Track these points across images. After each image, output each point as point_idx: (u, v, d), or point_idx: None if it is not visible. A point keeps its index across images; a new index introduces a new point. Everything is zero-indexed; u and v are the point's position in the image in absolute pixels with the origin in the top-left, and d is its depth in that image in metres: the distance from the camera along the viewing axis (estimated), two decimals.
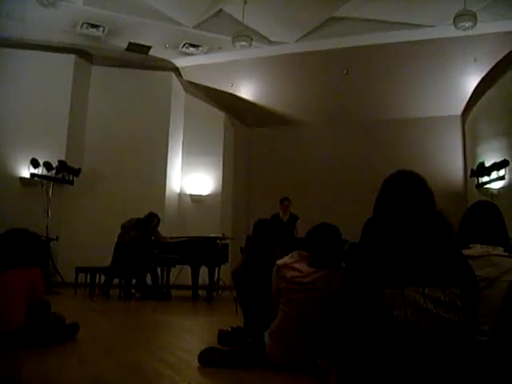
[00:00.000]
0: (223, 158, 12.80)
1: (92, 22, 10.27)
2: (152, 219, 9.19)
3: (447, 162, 11.97)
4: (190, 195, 12.61)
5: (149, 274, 8.90)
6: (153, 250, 9.01)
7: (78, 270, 9.12)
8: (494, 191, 10.09)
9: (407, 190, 2.02)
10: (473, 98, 11.34)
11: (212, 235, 9.28)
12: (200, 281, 8.80)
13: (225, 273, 9.84)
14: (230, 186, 12.95)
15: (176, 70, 12.32)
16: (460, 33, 9.21)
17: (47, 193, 10.58)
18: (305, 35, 10.67)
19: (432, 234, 1.94)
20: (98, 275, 9.21)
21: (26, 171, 10.62)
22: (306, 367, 3.07)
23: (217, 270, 9.28)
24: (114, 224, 9.26)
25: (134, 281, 8.92)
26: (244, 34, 9.58)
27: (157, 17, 10.06)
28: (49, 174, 10.64)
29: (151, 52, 11.58)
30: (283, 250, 4.01)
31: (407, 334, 1.76)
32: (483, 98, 10.92)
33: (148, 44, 11.27)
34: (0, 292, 3.75)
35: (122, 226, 9.14)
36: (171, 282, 9.66)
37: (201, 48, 11.39)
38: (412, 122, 12.18)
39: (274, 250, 4.17)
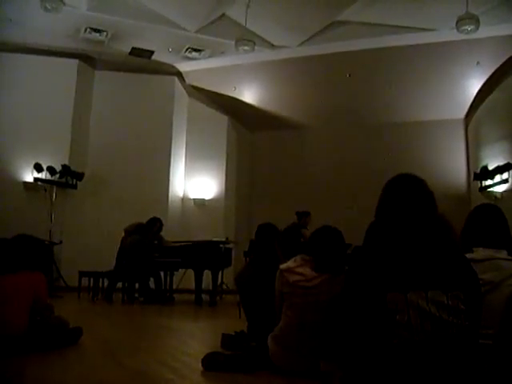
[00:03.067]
0: (226, 161, 12.80)
1: (95, 27, 10.31)
2: (155, 223, 9.20)
3: (450, 166, 11.96)
4: (193, 199, 12.62)
5: (152, 278, 8.91)
6: (153, 253, 9.00)
7: (82, 274, 9.12)
8: (498, 194, 10.07)
9: (408, 193, 2.02)
10: (476, 101, 11.34)
11: (215, 239, 9.27)
12: (203, 285, 8.79)
13: (228, 277, 9.84)
14: (233, 189, 12.95)
15: (179, 74, 12.35)
16: (462, 36, 9.20)
17: (51, 197, 10.61)
18: (307, 39, 10.68)
19: (434, 238, 1.93)
20: (101, 279, 9.21)
21: (29, 176, 10.64)
22: (309, 371, 3.06)
23: (220, 273, 9.27)
24: (117, 228, 9.27)
25: (137, 285, 8.93)
26: (247, 38, 9.59)
27: (160, 21, 10.08)
28: (52, 178, 10.67)
29: (154, 56, 11.61)
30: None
31: (410, 337, 1.76)
32: (486, 102, 10.90)
33: (151, 49, 11.31)
34: (3, 295, 3.76)
35: (125, 230, 9.15)
36: (174, 286, 9.65)
37: (203, 52, 11.42)
38: (415, 126, 12.17)
39: (278, 255, 4.16)
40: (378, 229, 2.06)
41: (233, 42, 9.75)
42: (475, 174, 10.70)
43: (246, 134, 13.89)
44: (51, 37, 10.71)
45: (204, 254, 8.76)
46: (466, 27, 8.65)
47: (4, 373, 3.06)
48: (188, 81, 12.57)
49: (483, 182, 10.42)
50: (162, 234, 9.43)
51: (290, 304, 3.17)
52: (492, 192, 10.20)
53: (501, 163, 9.77)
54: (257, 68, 11.81)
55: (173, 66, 12.10)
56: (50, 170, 10.59)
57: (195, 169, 12.68)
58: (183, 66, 12.17)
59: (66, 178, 10.90)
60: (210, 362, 3.31)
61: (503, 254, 2.39)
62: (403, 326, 1.77)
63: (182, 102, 12.71)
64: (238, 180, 13.20)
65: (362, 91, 11.81)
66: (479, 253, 2.40)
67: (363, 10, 9.49)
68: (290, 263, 3.27)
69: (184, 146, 12.73)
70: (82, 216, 11.03)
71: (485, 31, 9.14)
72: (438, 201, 2.05)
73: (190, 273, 9.00)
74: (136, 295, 8.96)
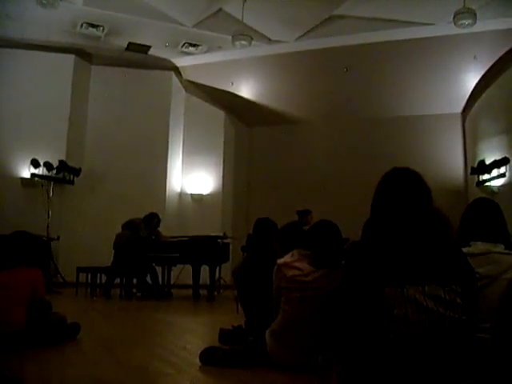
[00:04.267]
0: (223, 157, 12.80)
1: (91, 22, 10.27)
2: (152, 219, 9.21)
3: (448, 160, 11.97)
4: (191, 194, 12.62)
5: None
6: (146, 249, 9.00)
7: (79, 269, 9.12)
8: (495, 189, 10.09)
9: (403, 187, 2.02)
10: (473, 95, 11.34)
11: (213, 234, 9.28)
12: (201, 280, 8.80)
13: (226, 272, 9.84)
14: (230, 185, 12.95)
15: (176, 69, 12.32)
16: (460, 30, 9.20)
17: (48, 193, 10.58)
18: (304, 34, 10.67)
19: (430, 232, 1.93)
20: (99, 275, 9.22)
21: (26, 171, 10.62)
22: (306, 366, 3.07)
23: (218, 268, 9.27)
24: (114, 224, 9.27)
25: (135, 280, 8.95)
26: (244, 33, 9.57)
27: (156, 16, 10.05)
28: (49, 174, 10.64)
29: (151, 51, 11.57)
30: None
31: (408, 332, 1.76)
32: (483, 96, 10.91)
33: (147, 43, 11.27)
34: (1, 291, 3.75)
35: (121, 226, 9.18)
36: (172, 281, 9.66)
37: (200, 47, 11.39)
38: (412, 120, 12.17)
39: (275, 249, 4.16)
40: (374, 223, 2.06)
41: (230, 37, 9.72)
42: (472, 168, 10.72)
43: (244, 129, 13.88)
44: (48, 32, 10.65)
45: (202, 249, 8.77)
46: (464, 21, 8.65)
47: (2, 369, 3.06)
48: (185, 76, 12.54)
49: (480, 176, 10.43)
50: (160, 229, 9.43)
51: (287, 299, 3.17)
52: (489, 186, 10.22)
53: (498, 157, 9.78)
54: (254, 63, 11.79)
55: (170, 61, 12.07)
56: (47, 165, 10.55)
57: (193, 164, 12.67)
58: (180, 61, 12.14)
59: (63, 174, 10.88)
60: (208, 357, 3.31)
61: (500, 248, 2.40)
62: (401, 321, 1.77)
63: (179, 98, 12.68)
64: (236, 175, 13.20)
65: (360, 86, 11.79)
66: (476, 247, 2.41)
67: (360, 5, 9.48)
68: (287, 258, 3.27)
69: (181, 141, 12.71)
70: (79, 212, 11.01)
71: (482, 25, 9.13)
72: (435, 195, 2.05)
73: (188, 268, 9.01)
74: (134, 291, 8.97)
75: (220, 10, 9.90)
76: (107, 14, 10.03)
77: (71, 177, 11.02)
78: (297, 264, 3.18)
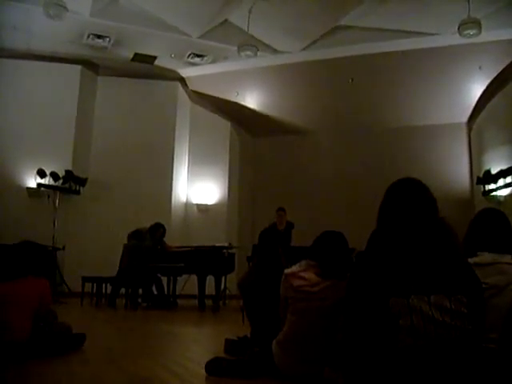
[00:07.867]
0: (229, 167, 12.82)
1: (98, 33, 10.34)
2: (158, 229, 9.22)
3: (453, 170, 11.95)
4: (196, 204, 12.63)
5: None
6: (151, 259, 9.00)
7: (85, 279, 9.12)
8: (501, 198, 10.06)
9: (409, 198, 2.01)
10: (478, 105, 11.34)
11: (218, 244, 9.27)
12: (206, 290, 8.78)
13: (231, 282, 9.82)
14: (235, 194, 12.96)
15: (181, 79, 12.38)
16: (465, 41, 9.22)
17: (54, 202, 10.62)
18: (310, 44, 10.70)
19: (436, 242, 1.93)
20: (104, 285, 9.22)
21: (32, 181, 10.67)
22: (313, 377, 3.05)
23: (223, 279, 9.26)
24: (120, 233, 9.29)
25: (140, 290, 8.94)
26: (249, 44, 9.62)
27: (162, 27, 10.12)
28: (55, 183, 10.69)
29: (157, 62, 11.64)
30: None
31: (414, 342, 1.75)
32: (489, 106, 10.91)
33: (154, 54, 11.34)
34: (9, 301, 3.75)
35: (127, 236, 9.20)
36: (178, 291, 9.65)
37: (206, 58, 11.44)
38: (418, 130, 12.17)
39: (281, 259, 4.16)
40: (379, 234, 2.05)
41: (235, 48, 9.78)
42: (478, 178, 10.69)
43: (249, 139, 13.90)
44: (54, 43, 10.74)
45: (207, 260, 8.76)
46: (469, 31, 8.67)
47: (7, 379, 3.06)
48: (191, 86, 12.59)
49: (486, 186, 10.41)
50: (165, 239, 9.43)
51: (294, 309, 3.16)
52: (495, 196, 10.19)
53: (504, 167, 9.76)
54: (259, 73, 11.83)
55: (175, 72, 12.13)
56: (53, 175, 10.60)
57: (198, 174, 12.70)
58: (186, 72, 12.19)
59: (69, 184, 10.92)
60: (214, 368, 3.30)
61: (507, 258, 2.39)
62: (406, 331, 1.76)
63: (185, 108, 12.73)
64: (241, 185, 13.21)
65: (365, 96, 11.82)
66: (484, 257, 2.39)
67: (365, 15, 9.51)
68: (294, 268, 3.26)
69: (187, 151, 12.74)
70: (84, 221, 11.04)
71: (487, 35, 9.14)
72: (441, 205, 2.05)
73: (194, 278, 9.00)
74: (139, 301, 8.96)
75: (225, 20, 9.96)
76: (113, 25, 10.11)
77: (77, 187, 11.05)
78: (303, 274, 3.17)
